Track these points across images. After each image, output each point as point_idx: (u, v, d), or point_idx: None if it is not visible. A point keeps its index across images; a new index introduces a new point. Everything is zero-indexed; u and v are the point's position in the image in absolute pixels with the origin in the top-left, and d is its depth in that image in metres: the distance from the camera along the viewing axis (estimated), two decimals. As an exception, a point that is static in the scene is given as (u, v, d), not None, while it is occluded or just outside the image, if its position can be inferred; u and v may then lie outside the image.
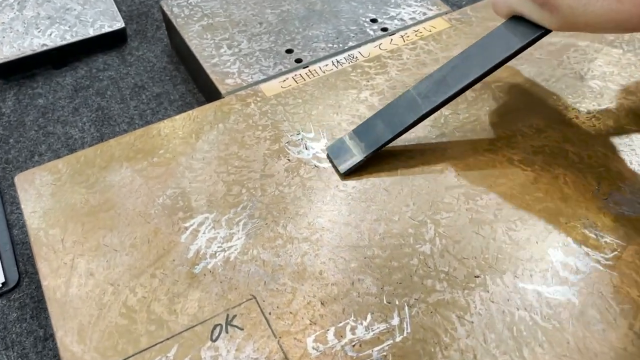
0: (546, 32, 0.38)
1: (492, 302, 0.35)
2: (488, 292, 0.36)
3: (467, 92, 0.48)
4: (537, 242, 0.38)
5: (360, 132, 0.43)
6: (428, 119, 0.46)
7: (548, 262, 0.37)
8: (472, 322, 0.34)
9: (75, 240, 0.39)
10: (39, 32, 0.63)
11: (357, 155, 0.42)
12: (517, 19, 0.39)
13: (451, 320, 0.34)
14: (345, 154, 0.43)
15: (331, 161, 0.43)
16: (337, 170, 0.43)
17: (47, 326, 0.44)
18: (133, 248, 0.39)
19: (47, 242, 0.39)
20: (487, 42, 0.41)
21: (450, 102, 0.43)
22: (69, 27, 0.64)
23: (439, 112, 0.46)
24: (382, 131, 0.42)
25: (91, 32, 0.64)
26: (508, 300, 0.35)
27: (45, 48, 0.62)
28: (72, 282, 0.37)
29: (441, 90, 0.41)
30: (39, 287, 0.46)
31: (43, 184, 0.43)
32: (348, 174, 0.42)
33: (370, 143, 0.42)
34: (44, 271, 0.38)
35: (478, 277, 0.36)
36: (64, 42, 0.62)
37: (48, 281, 0.37)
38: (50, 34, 0.63)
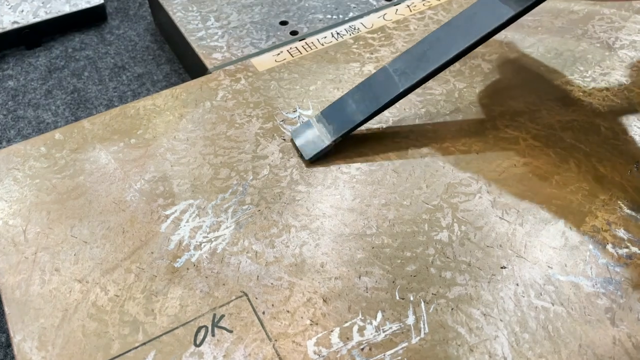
0: (540, 0, 0.33)
1: (523, 296, 0.30)
2: (517, 285, 0.31)
3: (484, 64, 0.43)
4: (570, 228, 0.33)
5: (329, 113, 0.38)
6: (441, 93, 0.41)
7: (585, 250, 0.32)
8: (501, 320, 0.29)
9: (38, 232, 0.34)
10: (10, 8, 0.58)
11: (324, 140, 0.37)
12: None
13: (476, 317, 0.29)
14: (311, 138, 0.38)
15: (295, 147, 0.38)
16: (302, 157, 0.38)
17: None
18: (105, 239, 0.34)
19: (7, 233, 0.34)
20: (474, 12, 0.35)
21: (465, 75, 0.38)
22: (43, 3, 0.58)
23: (452, 85, 0.41)
24: (353, 112, 0.37)
25: (67, 9, 0.58)
26: (541, 294, 0.30)
27: (16, 26, 0.56)
28: (34, 279, 0.32)
29: (421, 66, 0.35)
30: (2, 286, 0.40)
31: (5, 168, 0.38)
32: (314, 161, 0.37)
33: (339, 126, 0.37)
34: (2, 267, 0.33)
35: (505, 268, 0.31)
36: (37, 20, 0.57)
37: (6, 278, 0.32)
38: (22, 11, 0.58)
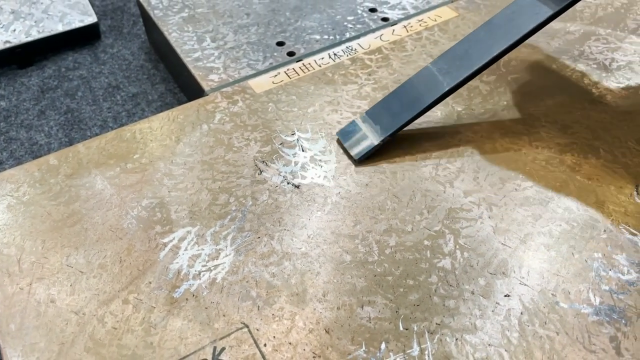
0: None
1: (528, 325, 0.30)
2: (522, 313, 0.30)
3: (482, 86, 0.43)
4: (573, 254, 0.33)
5: (374, 114, 0.39)
6: (440, 115, 0.41)
7: (588, 277, 0.32)
8: (507, 351, 0.29)
9: (33, 261, 0.33)
10: (2, 27, 0.57)
11: (372, 140, 0.38)
12: None
13: (480, 348, 0.29)
14: (358, 138, 0.39)
15: (342, 146, 0.39)
16: (349, 156, 0.38)
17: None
18: (102, 269, 0.33)
19: (1, 263, 0.33)
20: (513, 12, 0.36)
21: (464, 97, 0.38)
22: (35, 22, 0.58)
23: (451, 108, 0.41)
24: (399, 112, 0.38)
25: (60, 28, 0.58)
26: (546, 322, 0.30)
27: (8, 45, 0.56)
28: (29, 312, 0.31)
29: (465, 65, 0.36)
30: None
31: (-2, 195, 0.37)
32: (363, 160, 0.38)
33: (386, 125, 0.38)
34: (-4, 299, 0.32)
35: (509, 296, 0.31)
36: (30, 39, 0.57)
37: (1, 310, 0.31)
38: (14, 30, 0.57)
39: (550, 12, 0.34)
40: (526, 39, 0.35)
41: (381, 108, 0.39)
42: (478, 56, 0.36)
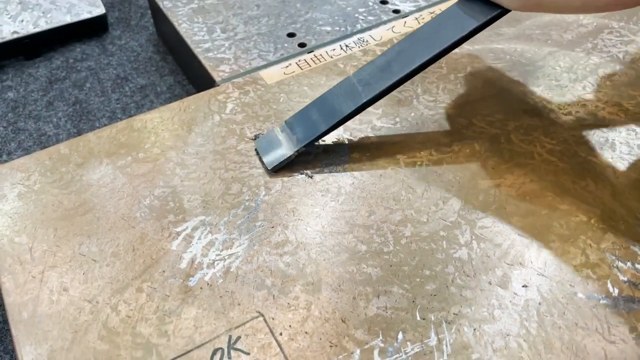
0: (504, 12, 0.33)
1: (546, 315, 0.30)
2: (540, 304, 0.30)
3: (496, 78, 0.42)
4: (590, 245, 0.32)
5: (293, 123, 0.38)
6: (453, 106, 0.41)
7: (606, 268, 0.31)
8: (525, 341, 0.29)
9: (45, 250, 0.33)
10: (9, 18, 0.57)
11: (286, 150, 0.37)
12: None
13: (499, 338, 0.29)
14: (274, 147, 0.37)
15: (259, 156, 0.38)
16: (264, 167, 0.37)
17: (14, 352, 0.37)
18: (115, 258, 0.33)
19: (13, 251, 0.33)
20: (438, 23, 0.35)
21: (478, 88, 0.38)
22: (43, 12, 0.57)
23: (465, 99, 0.41)
24: (316, 122, 0.37)
25: (68, 19, 0.57)
26: (564, 313, 0.30)
27: (16, 36, 0.55)
28: (42, 300, 0.31)
29: (384, 76, 0.35)
30: (3, 305, 0.39)
31: (9, 184, 0.37)
32: (276, 171, 0.37)
33: (302, 136, 0.37)
34: (8, 286, 0.32)
35: (526, 286, 0.31)
36: (38, 30, 0.56)
37: (13, 298, 0.31)
38: (22, 21, 0.57)
39: (475, 24, 0.33)
40: (450, 51, 0.34)
41: (300, 117, 0.38)
42: (399, 68, 0.35)
